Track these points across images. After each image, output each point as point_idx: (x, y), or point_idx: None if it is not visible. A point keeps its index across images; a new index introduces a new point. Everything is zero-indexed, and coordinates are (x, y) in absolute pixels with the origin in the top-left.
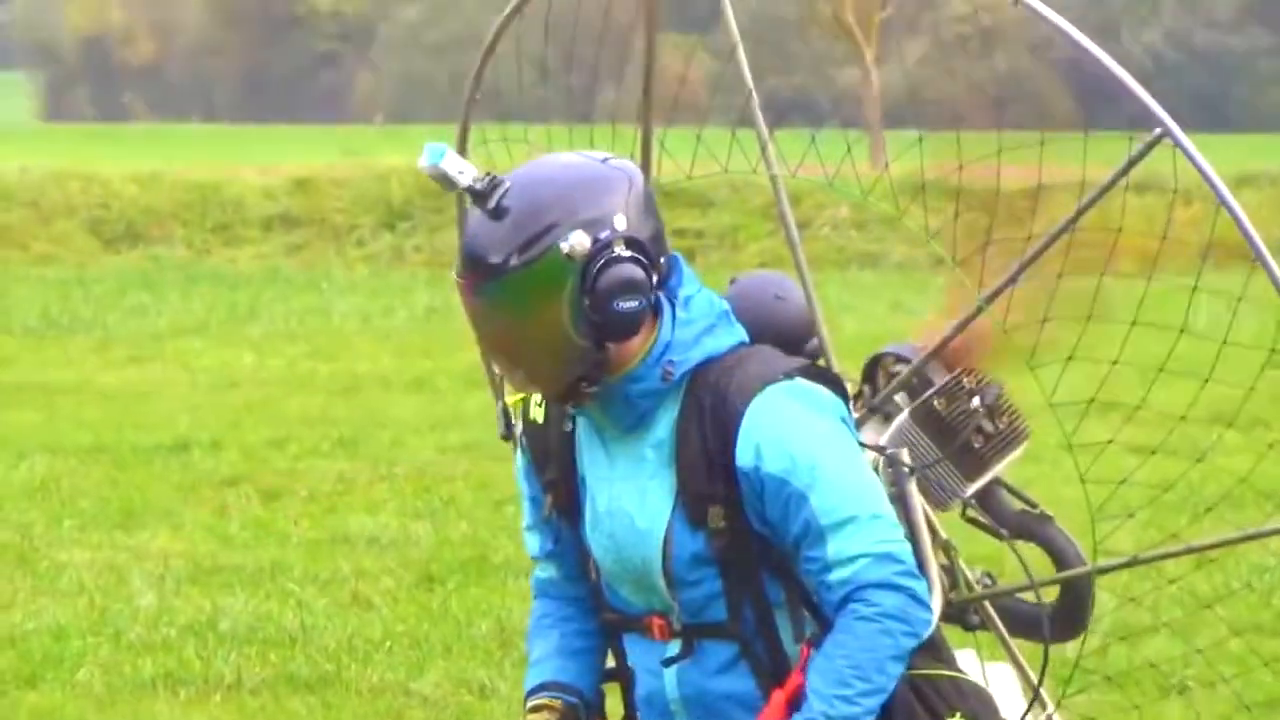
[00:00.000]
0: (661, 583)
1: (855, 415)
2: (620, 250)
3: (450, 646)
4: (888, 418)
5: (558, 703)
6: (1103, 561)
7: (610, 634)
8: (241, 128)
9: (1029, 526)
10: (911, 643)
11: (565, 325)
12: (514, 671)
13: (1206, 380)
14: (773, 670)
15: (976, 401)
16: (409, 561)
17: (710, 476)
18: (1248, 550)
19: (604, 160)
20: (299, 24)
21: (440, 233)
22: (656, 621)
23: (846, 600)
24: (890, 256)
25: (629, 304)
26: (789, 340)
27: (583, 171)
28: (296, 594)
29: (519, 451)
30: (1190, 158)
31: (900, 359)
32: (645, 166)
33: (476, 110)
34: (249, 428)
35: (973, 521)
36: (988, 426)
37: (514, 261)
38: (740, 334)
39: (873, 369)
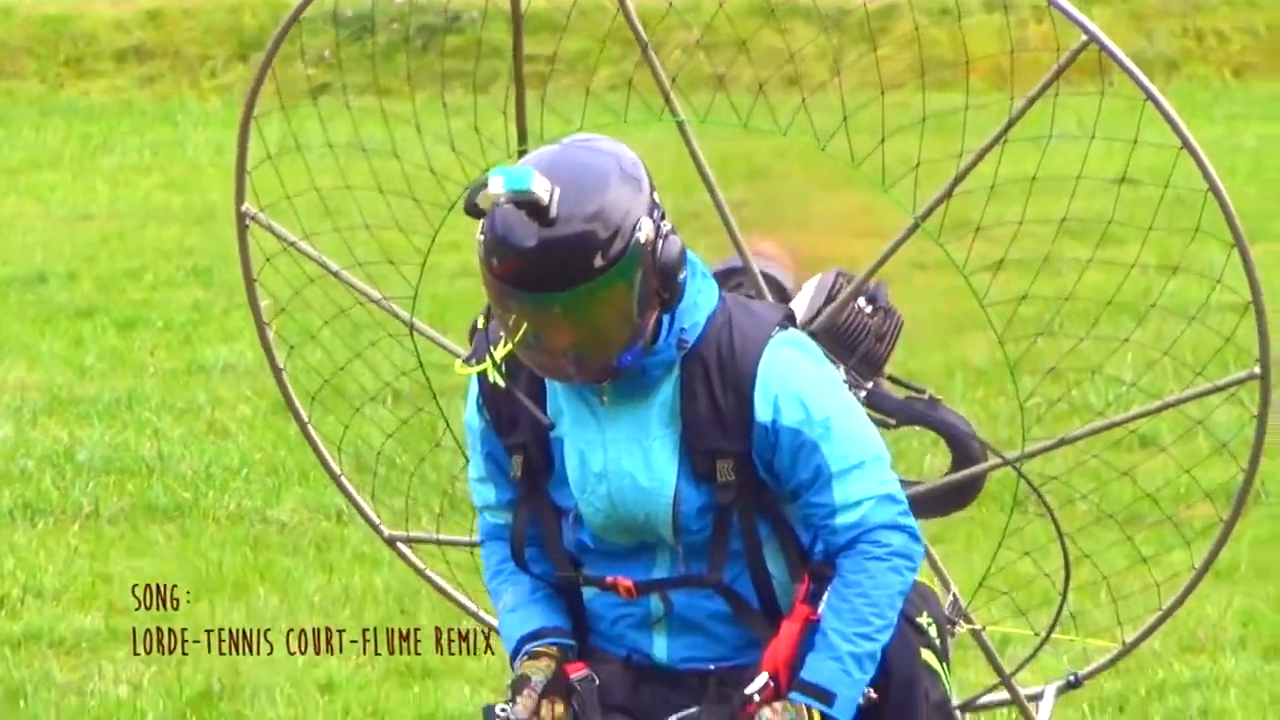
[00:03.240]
0: (668, 533)
1: None
2: (666, 225)
3: (307, 473)
4: None
5: (554, 649)
6: (1031, 446)
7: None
8: None
9: (919, 413)
10: (914, 576)
11: (632, 309)
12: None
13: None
14: (759, 603)
15: (863, 302)
16: (265, 389)
17: (723, 432)
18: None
19: (592, 143)
20: None
21: (293, 63)
22: (622, 583)
23: (855, 542)
24: (740, 79)
25: (683, 274)
26: None
27: (610, 161)
28: (153, 423)
29: (476, 413)
30: (1121, 65)
31: (729, 275)
32: (518, 75)
33: None
34: (104, 259)
35: None
36: (877, 327)
37: (600, 262)
38: (714, 284)
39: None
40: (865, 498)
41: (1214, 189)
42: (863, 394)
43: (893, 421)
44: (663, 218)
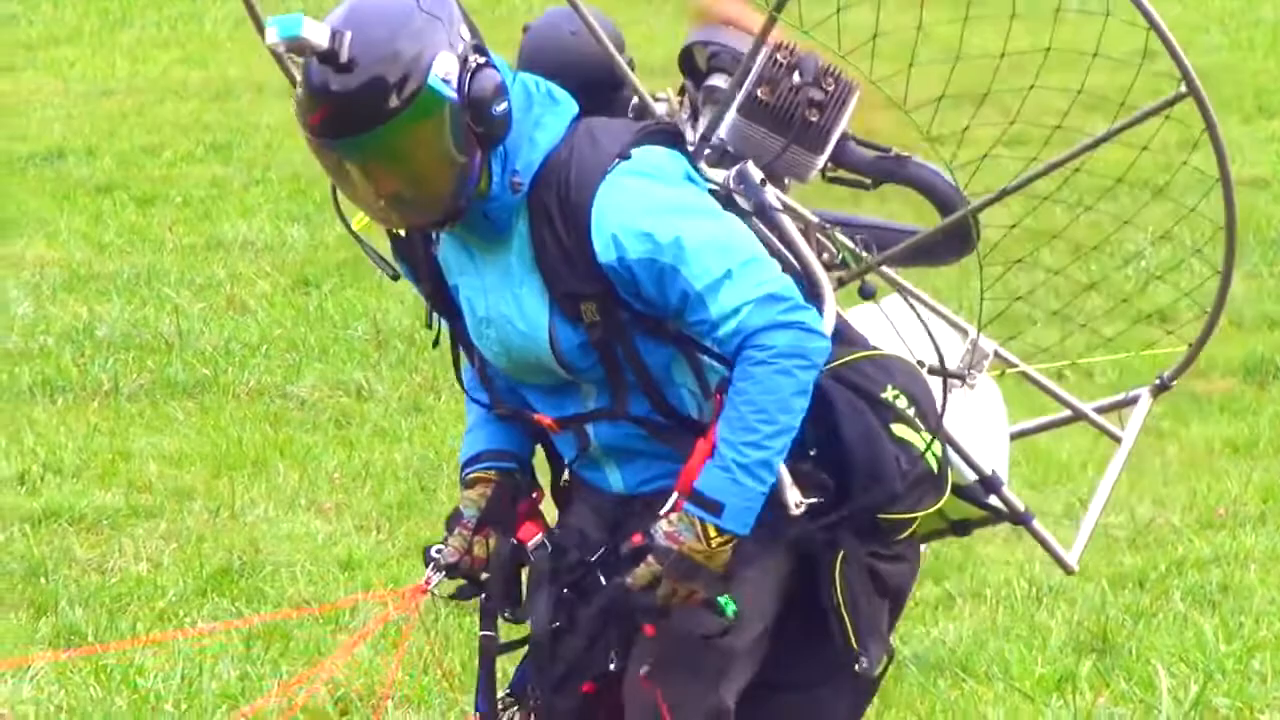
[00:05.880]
0: (561, 371)
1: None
2: (477, 59)
3: (327, 349)
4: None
5: (493, 473)
6: (976, 200)
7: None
8: None
9: (889, 169)
10: (812, 374)
11: (449, 147)
12: (390, 373)
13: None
14: (674, 426)
15: (797, 77)
16: (284, 265)
17: (576, 276)
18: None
19: None
20: None
21: None
22: (544, 420)
23: (740, 349)
24: None
25: (501, 107)
26: (598, 75)
27: (407, 2)
28: (172, 299)
29: (399, 261)
30: None
31: (707, 44)
32: None
33: None
34: (123, 135)
35: (835, 180)
36: (817, 95)
37: (394, 103)
38: (565, 110)
39: (687, 60)
40: (741, 304)
41: (1147, 17)
42: (821, 162)
43: (868, 180)
44: (476, 51)
